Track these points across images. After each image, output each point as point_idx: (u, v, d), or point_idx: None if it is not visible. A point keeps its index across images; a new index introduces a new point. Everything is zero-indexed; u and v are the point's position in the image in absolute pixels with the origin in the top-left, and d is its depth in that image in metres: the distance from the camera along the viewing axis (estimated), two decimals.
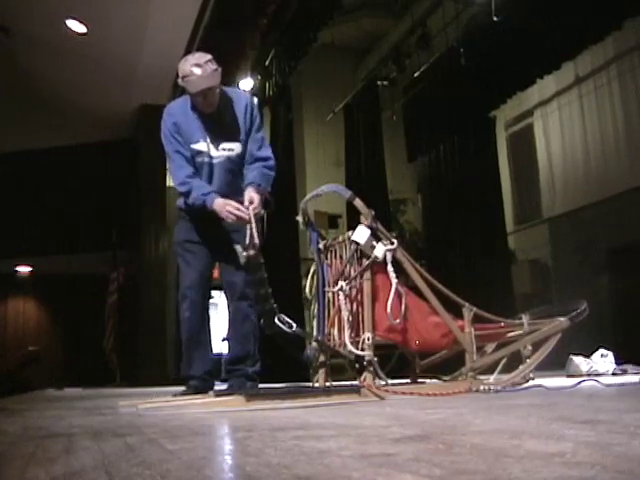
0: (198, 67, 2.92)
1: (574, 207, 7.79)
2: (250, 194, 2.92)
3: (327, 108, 8.82)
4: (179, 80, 2.98)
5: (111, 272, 10.44)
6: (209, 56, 2.99)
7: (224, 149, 3.07)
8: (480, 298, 3.48)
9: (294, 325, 2.60)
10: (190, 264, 3.12)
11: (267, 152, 3.17)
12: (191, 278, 3.10)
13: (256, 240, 2.73)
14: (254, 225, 2.78)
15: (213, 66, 2.96)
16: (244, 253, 2.62)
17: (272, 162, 3.15)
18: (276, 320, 2.58)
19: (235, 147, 3.09)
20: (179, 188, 3.05)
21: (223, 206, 2.87)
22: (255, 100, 3.22)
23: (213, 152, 3.07)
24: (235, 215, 2.83)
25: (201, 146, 3.05)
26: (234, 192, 3.02)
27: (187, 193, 2.99)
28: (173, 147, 3.08)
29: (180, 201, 3.16)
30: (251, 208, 2.85)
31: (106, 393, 5.43)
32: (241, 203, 2.89)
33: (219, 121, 3.08)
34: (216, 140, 3.07)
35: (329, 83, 9.19)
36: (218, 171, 3.08)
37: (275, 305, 2.63)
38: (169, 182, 9.95)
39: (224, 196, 2.96)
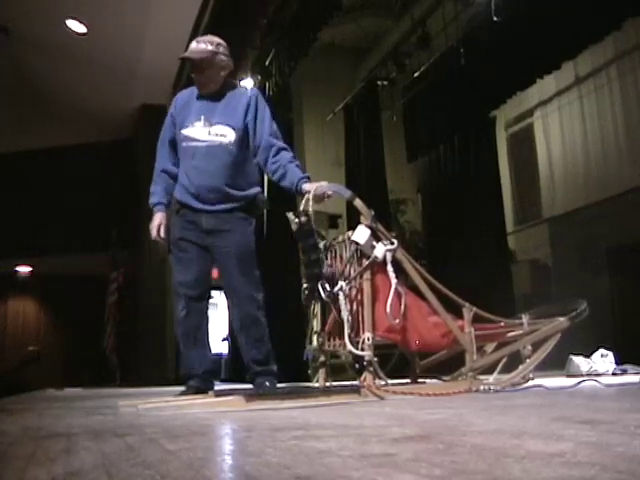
0: (195, 42, 3.07)
1: (574, 207, 7.78)
2: (308, 187, 2.95)
3: (327, 108, 8.80)
4: None
5: (111, 272, 10.42)
6: (217, 40, 3.09)
7: (217, 134, 3.04)
8: (480, 298, 3.47)
9: (332, 294, 2.81)
10: (183, 263, 3.08)
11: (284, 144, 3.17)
12: (185, 277, 3.06)
13: (310, 208, 2.82)
14: (311, 196, 2.87)
15: (209, 47, 3.03)
16: (295, 220, 2.67)
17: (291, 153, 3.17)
18: (319, 285, 2.79)
19: (228, 133, 3.03)
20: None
21: (153, 221, 3.13)
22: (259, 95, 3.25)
23: (203, 135, 3.03)
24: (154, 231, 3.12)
25: (190, 131, 3.06)
26: (231, 185, 3.01)
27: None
28: (162, 135, 3.23)
29: (177, 192, 3.13)
30: (312, 189, 2.91)
31: (106, 393, 5.42)
32: (238, 199, 3.01)
33: (217, 105, 3.10)
34: (209, 122, 3.05)
35: (329, 83, 9.16)
36: (204, 155, 3.02)
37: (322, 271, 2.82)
38: None
39: (210, 190, 3.00)
